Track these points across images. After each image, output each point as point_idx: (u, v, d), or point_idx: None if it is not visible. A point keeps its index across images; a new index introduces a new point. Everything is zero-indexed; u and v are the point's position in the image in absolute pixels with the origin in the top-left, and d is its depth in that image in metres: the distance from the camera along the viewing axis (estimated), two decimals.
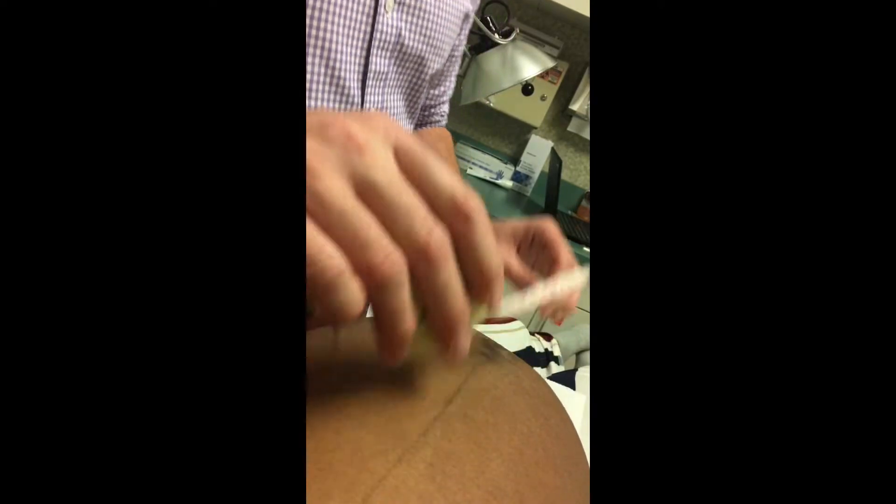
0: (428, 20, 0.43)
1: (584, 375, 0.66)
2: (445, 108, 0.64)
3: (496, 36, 1.00)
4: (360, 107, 0.40)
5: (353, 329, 0.26)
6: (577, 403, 0.51)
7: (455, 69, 0.60)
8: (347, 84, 0.39)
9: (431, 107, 0.61)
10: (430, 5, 0.42)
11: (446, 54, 0.50)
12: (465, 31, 0.56)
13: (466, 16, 0.52)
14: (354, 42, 0.38)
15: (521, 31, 1.46)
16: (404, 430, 0.18)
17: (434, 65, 0.48)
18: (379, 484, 0.16)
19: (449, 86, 0.61)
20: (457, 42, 0.55)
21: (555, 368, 0.86)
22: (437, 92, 0.59)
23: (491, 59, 1.03)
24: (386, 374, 0.21)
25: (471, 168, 1.85)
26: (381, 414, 0.19)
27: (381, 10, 0.38)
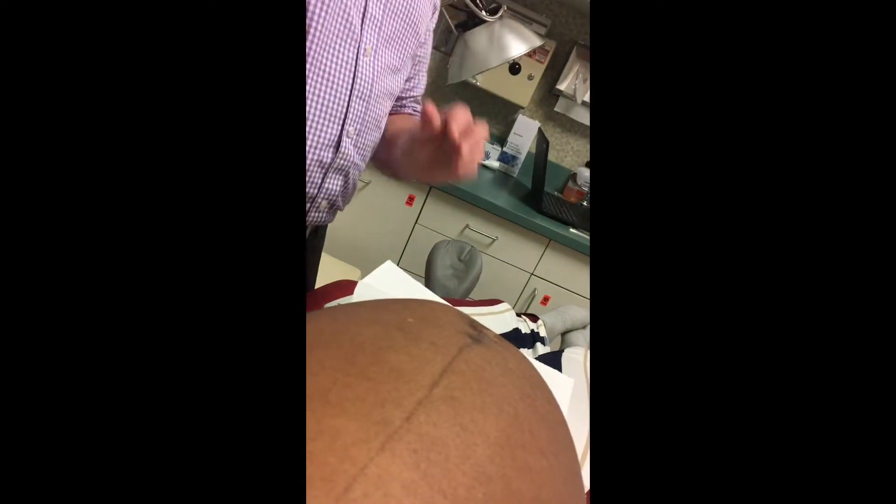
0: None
1: (570, 357, 0.66)
2: (417, 106, 0.76)
3: (483, 13, 0.98)
4: (360, 36, 0.54)
5: (336, 314, 0.25)
6: (564, 386, 0.51)
7: (423, 70, 0.72)
8: (352, 19, 0.52)
9: (403, 98, 0.72)
10: None
11: (421, 33, 0.63)
12: (430, 31, 0.68)
13: (434, 7, 0.65)
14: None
15: (508, 8, 1.43)
16: (387, 416, 0.18)
17: (411, 40, 0.61)
18: (361, 473, 0.16)
19: (418, 82, 0.72)
20: (424, 39, 0.67)
21: (541, 349, 0.87)
22: (408, 85, 0.70)
23: (478, 37, 1.01)
24: (368, 359, 0.20)
25: None
26: (363, 400, 0.18)
27: None
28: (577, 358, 0.73)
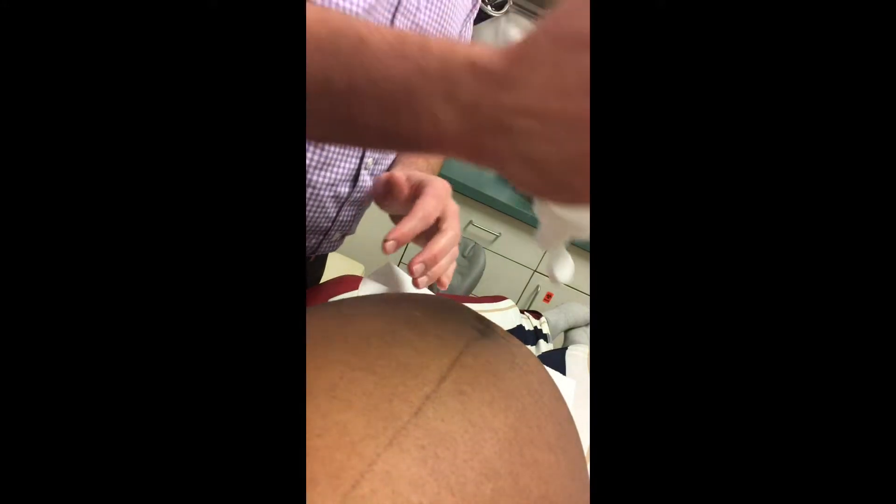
0: (441, 3, 0.48)
1: (573, 354, 0.66)
2: None
3: (489, 8, 0.97)
4: None
5: (341, 308, 0.25)
6: (567, 388, 0.51)
7: None
8: None
9: None
10: None
11: (453, 36, 0.54)
12: (467, 32, 0.59)
13: (467, 16, 0.56)
14: (386, 4, 0.43)
15: (514, 3, 1.43)
16: (395, 411, 0.17)
17: None
18: (368, 469, 0.15)
19: None
20: (459, 37, 0.59)
21: (543, 346, 0.86)
22: None
23: (483, 32, 1.00)
24: (374, 353, 0.20)
25: None
26: (370, 395, 0.18)
27: None
28: (581, 356, 0.73)
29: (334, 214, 0.53)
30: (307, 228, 0.52)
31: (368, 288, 0.57)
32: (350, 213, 0.57)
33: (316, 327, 0.21)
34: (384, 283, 0.58)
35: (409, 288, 0.62)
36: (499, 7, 0.98)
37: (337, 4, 0.39)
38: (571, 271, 0.29)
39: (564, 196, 0.20)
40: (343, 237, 0.61)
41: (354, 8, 0.40)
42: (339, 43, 0.22)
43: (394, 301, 0.25)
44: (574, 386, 0.47)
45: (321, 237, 0.55)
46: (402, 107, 0.21)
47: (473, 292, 1.29)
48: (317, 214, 0.51)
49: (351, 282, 0.63)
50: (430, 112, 0.21)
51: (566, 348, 0.66)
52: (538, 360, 0.27)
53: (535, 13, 1.67)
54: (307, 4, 0.21)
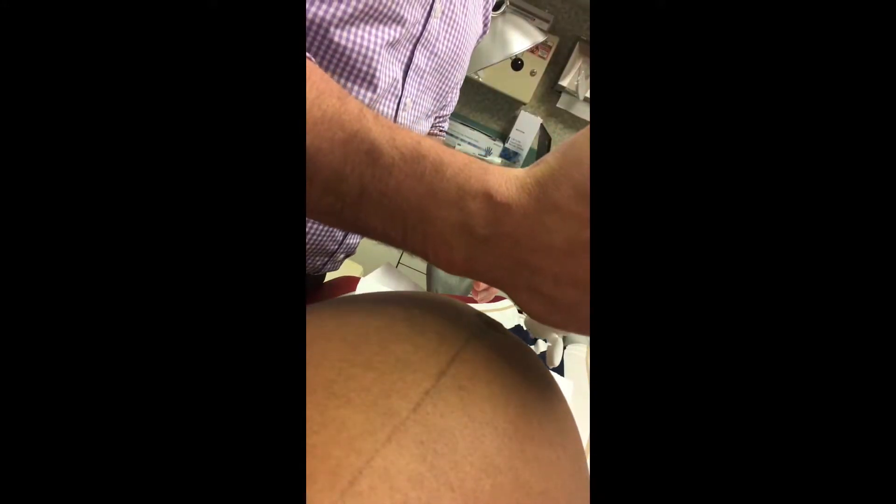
0: (457, 33, 0.49)
1: (572, 353, 0.66)
2: (446, 124, 0.72)
3: None
4: (401, 91, 0.46)
5: (340, 306, 0.25)
6: (565, 388, 0.51)
7: (457, 88, 0.63)
8: (396, 74, 0.45)
9: (437, 116, 0.68)
10: (461, 22, 0.49)
11: (465, 62, 0.56)
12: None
13: (478, 39, 0.59)
14: (409, 36, 0.44)
15: (510, 3, 1.43)
16: (393, 407, 0.17)
17: (454, 77, 0.54)
18: (366, 465, 0.15)
19: (451, 100, 0.64)
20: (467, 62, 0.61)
21: (542, 346, 0.87)
22: (444, 113, 0.67)
23: None
24: (373, 349, 0.20)
25: (459, 145, 1.83)
26: (368, 390, 0.18)
27: (433, 14, 0.45)
28: (580, 355, 0.73)
29: (341, 238, 0.53)
30: (314, 250, 0.52)
31: (366, 288, 0.57)
32: (357, 237, 0.57)
33: (314, 325, 0.21)
34: (382, 284, 0.58)
35: (407, 288, 0.62)
36: (496, 7, 0.98)
37: (362, 38, 0.39)
38: (561, 356, 0.29)
39: (572, 328, 0.20)
40: (346, 258, 0.62)
41: (379, 42, 0.40)
42: (351, 148, 0.21)
43: (393, 299, 0.25)
44: (572, 388, 0.47)
45: (326, 259, 0.55)
46: (412, 225, 0.21)
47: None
48: (324, 238, 0.50)
49: (349, 283, 0.63)
50: (441, 237, 0.21)
51: (565, 348, 0.66)
52: (539, 358, 0.27)
53: (531, 13, 1.67)
54: (325, 100, 0.21)
